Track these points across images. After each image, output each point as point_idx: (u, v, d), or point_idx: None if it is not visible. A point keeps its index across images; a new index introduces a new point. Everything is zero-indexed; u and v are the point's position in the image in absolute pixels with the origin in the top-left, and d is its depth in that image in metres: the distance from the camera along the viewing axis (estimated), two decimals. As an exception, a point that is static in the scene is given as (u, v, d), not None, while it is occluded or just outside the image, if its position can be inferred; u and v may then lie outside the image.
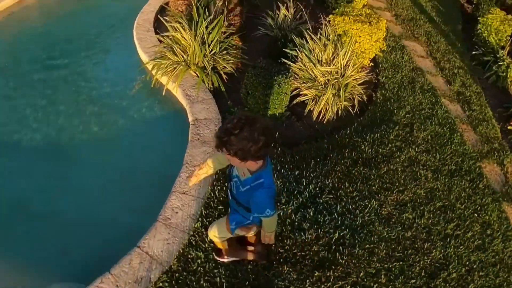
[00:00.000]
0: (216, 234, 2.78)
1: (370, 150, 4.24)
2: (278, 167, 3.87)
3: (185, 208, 3.44)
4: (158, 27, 6.00)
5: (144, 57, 5.34)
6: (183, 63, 4.79)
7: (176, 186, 3.61)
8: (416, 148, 4.42)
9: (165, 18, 5.37)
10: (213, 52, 4.88)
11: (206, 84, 4.80)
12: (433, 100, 5.31)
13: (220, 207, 3.43)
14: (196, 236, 3.24)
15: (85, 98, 5.05)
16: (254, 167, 2.10)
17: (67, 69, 5.60)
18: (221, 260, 3.10)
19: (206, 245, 3.17)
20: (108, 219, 3.61)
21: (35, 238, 3.50)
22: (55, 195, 3.88)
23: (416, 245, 3.40)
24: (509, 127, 5.12)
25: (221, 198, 3.50)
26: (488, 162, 4.54)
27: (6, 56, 6.04)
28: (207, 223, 3.30)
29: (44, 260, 3.32)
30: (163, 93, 4.85)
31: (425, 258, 3.29)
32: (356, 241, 3.30)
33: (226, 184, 2.53)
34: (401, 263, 3.22)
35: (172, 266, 3.03)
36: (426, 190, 3.92)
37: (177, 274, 2.98)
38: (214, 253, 3.12)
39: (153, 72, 4.92)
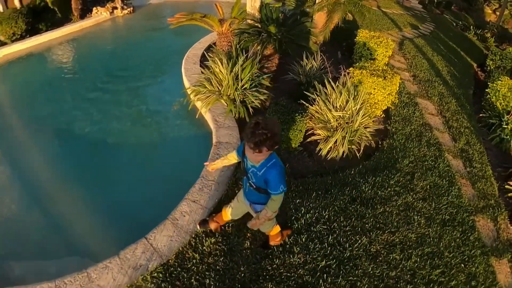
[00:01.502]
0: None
1: (369, 191, 4.02)
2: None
3: (192, 214, 3.41)
4: (204, 61, 6.16)
5: (187, 84, 5.50)
6: (216, 93, 4.85)
7: (189, 194, 3.59)
8: (414, 195, 4.14)
9: (209, 54, 5.53)
10: (244, 87, 4.92)
11: (233, 114, 4.83)
12: (437, 154, 5.01)
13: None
14: (197, 239, 3.18)
15: (133, 108, 5.33)
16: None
17: (125, 83, 5.96)
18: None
19: (204, 248, 3.11)
20: (128, 209, 3.73)
21: (65, 213, 3.63)
22: (90, 181, 4.07)
23: (398, 286, 3.10)
24: (506, 186, 4.71)
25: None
26: (482, 216, 4.16)
27: (79, 66, 6.57)
28: (208, 230, 3.25)
29: (67, 235, 3.44)
30: (197, 116, 4.93)
31: (407, 300, 3.00)
32: (341, 272, 3.07)
33: (243, 177, 2.64)
34: (381, 300, 2.95)
35: (170, 261, 2.99)
36: (417, 235, 3.62)
37: (172, 269, 2.94)
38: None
39: (191, 96, 5.03)
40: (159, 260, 2.99)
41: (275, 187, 2.33)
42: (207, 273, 2.93)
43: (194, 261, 3.01)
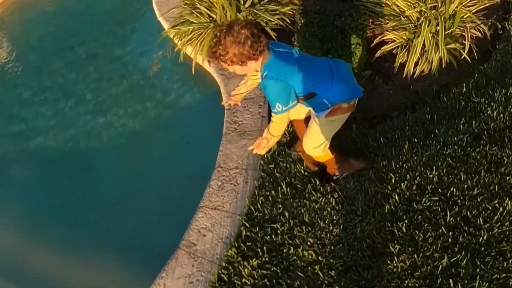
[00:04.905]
0: (316, 143, 2.95)
1: (501, 115, 3.49)
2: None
3: (216, 228, 3.28)
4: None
5: (166, 25, 5.29)
6: (211, 26, 4.49)
7: (204, 200, 3.43)
8: None
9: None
10: (250, 3, 4.55)
11: (246, 49, 4.39)
12: None
13: (266, 225, 3.16)
14: (230, 268, 3.01)
15: (105, 85, 5.29)
16: (259, 66, 2.47)
17: (84, 53, 5.93)
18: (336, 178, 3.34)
19: (245, 280, 2.92)
20: (125, 245, 3.68)
21: (44, 263, 3.66)
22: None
23: None
24: None
25: (265, 211, 3.24)
26: None
27: (15, 56, 6.55)
28: (245, 248, 3.08)
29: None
30: (192, 70, 4.67)
31: None
32: (478, 270, 2.63)
33: None
34: None
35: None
36: None
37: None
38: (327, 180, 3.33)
39: (177, 42, 4.81)
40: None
41: (271, 103, 2.57)
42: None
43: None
